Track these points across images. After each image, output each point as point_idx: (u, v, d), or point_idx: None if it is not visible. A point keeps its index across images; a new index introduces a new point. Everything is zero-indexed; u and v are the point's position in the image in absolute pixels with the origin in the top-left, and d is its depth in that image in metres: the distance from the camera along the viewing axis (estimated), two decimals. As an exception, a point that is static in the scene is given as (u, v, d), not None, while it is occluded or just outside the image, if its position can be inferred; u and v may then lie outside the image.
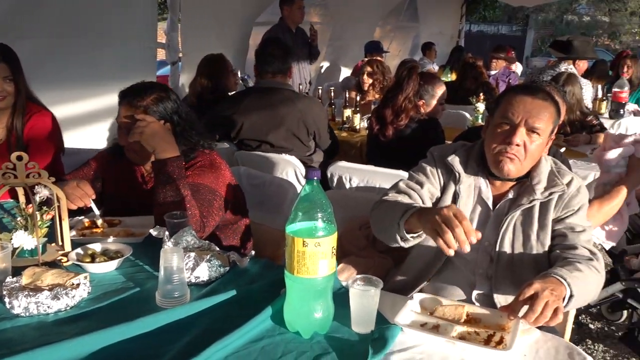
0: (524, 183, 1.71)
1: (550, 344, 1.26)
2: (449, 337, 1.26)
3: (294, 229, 1.22)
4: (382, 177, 2.62)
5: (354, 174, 2.77)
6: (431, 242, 1.74)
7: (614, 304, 2.75)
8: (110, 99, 3.75)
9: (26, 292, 1.30)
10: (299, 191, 2.54)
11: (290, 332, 1.27)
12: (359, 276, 1.31)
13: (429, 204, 1.74)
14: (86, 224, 1.82)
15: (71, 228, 1.71)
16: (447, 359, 1.20)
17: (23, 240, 1.50)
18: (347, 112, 4.12)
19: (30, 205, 1.52)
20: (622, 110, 4.60)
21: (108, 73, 3.58)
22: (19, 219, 1.53)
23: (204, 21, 4.15)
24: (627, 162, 2.14)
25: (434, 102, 2.94)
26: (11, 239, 1.51)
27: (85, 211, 1.88)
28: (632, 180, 2.08)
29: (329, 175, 2.87)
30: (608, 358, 2.64)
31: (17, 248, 1.51)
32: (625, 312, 2.88)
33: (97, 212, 1.85)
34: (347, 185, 2.78)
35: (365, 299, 1.27)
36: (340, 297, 1.34)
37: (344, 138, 3.80)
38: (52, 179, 1.54)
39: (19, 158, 1.51)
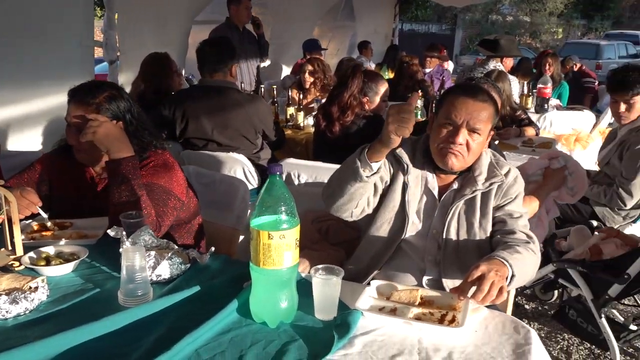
0: (467, 175, 1.83)
1: (497, 319, 1.38)
2: (406, 319, 1.34)
3: (259, 223, 1.26)
4: (330, 172, 2.60)
5: (303, 171, 2.83)
6: (381, 232, 1.84)
7: (546, 284, 2.96)
8: (48, 100, 3.64)
9: (-18, 298, 1.26)
10: (249, 188, 2.59)
11: (256, 322, 1.31)
12: (320, 266, 1.37)
13: (380, 187, 1.83)
14: (35, 228, 1.78)
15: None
16: (406, 338, 1.28)
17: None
18: (291, 110, 4.17)
19: (-21, 209, 1.47)
20: (546, 105, 4.92)
21: (45, 73, 3.45)
22: (-33, 224, 1.48)
23: (142, 19, 4.06)
24: (542, 172, 2.35)
25: (377, 99, 3.04)
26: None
27: (32, 216, 1.82)
28: (546, 189, 2.30)
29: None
30: (543, 334, 2.85)
31: (-33, 254, 1.46)
32: (556, 292, 3.11)
33: (45, 216, 1.80)
34: (296, 182, 2.83)
35: (327, 287, 1.34)
36: (301, 287, 1.40)
37: (289, 136, 3.85)
38: (1, 182, 1.49)
39: (-35, 161, 1.46)
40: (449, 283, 1.76)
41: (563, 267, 2.45)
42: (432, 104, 3.84)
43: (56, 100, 3.66)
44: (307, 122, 4.08)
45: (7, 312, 1.27)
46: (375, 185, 1.80)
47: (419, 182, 1.84)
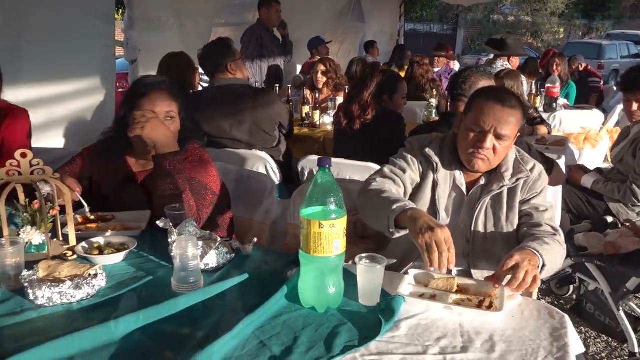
0: (493, 171, 1.90)
1: (532, 306, 1.45)
2: (446, 304, 1.42)
3: (309, 213, 1.33)
4: (352, 169, 2.76)
5: (324, 167, 2.89)
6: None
7: (562, 279, 3.04)
8: (72, 99, 3.71)
9: (48, 284, 1.34)
10: (276, 184, 2.66)
11: (305, 308, 1.39)
12: (364, 255, 1.44)
13: (410, 189, 1.90)
14: (80, 220, 1.85)
15: (64, 225, 1.73)
16: (448, 322, 1.35)
17: (31, 235, 1.52)
18: (306, 109, 4.24)
19: (36, 201, 1.55)
20: (554, 105, 5.00)
21: (69, 73, 3.52)
22: (24, 215, 1.55)
23: (162, 19, 4.14)
24: None
25: (396, 96, 3.12)
26: (18, 234, 1.53)
27: (74, 208, 1.89)
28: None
29: (299, 169, 2.98)
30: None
31: (26, 243, 1.53)
32: (571, 287, 3.18)
33: (86, 207, 1.87)
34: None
35: (372, 274, 1.41)
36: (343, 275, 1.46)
37: (306, 134, 3.93)
38: (56, 175, 1.57)
39: (23, 155, 1.53)
40: (478, 274, 1.84)
41: (581, 261, 2.52)
42: (447, 102, 3.91)
43: (80, 98, 3.75)
44: (322, 120, 4.15)
45: (71, 296, 1.34)
46: (405, 187, 1.88)
47: (447, 179, 1.91)
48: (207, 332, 1.24)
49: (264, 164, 3.18)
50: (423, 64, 5.31)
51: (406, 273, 1.61)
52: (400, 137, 3.00)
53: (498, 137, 1.79)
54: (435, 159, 1.90)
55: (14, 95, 3.25)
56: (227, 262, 1.61)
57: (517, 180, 1.87)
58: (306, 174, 2.97)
